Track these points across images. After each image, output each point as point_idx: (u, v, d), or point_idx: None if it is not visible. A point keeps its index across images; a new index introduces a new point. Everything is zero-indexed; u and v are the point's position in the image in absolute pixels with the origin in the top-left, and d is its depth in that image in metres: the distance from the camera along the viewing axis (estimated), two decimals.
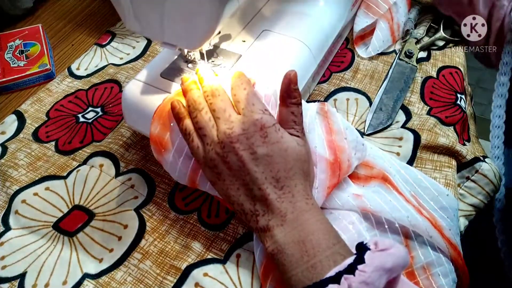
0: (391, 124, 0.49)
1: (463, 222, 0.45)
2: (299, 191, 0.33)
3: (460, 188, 0.46)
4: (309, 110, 0.40)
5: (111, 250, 0.40)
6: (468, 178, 0.46)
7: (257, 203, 0.33)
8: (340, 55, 0.58)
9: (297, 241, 0.31)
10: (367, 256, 0.27)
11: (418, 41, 0.58)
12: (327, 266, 0.29)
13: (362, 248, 0.29)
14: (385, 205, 0.37)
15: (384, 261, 0.27)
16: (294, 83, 0.35)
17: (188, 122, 0.36)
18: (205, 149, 0.35)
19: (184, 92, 0.38)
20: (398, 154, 0.46)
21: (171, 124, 0.38)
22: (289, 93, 0.35)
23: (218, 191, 0.36)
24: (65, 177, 0.46)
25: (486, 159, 0.47)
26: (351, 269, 0.27)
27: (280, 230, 0.32)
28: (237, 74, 0.37)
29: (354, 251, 0.30)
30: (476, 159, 0.46)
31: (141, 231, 0.41)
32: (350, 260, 0.28)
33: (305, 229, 0.31)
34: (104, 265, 0.39)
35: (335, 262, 0.29)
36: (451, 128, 0.48)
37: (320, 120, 0.40)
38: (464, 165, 0.46)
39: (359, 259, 0.27)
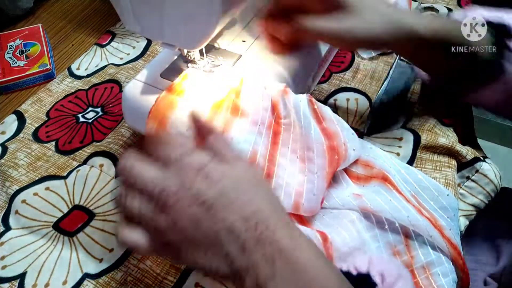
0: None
1: (463, 222, 0.45)
2: (276, 224, 0.27)
3: (460, 188, 0.46)
4: (302, 101, 0.40)
5: (111, 250, 0.40)
6: (468, 178, 0.46)
7: (234, 262, 0.26)
8: (340, 55, 0.58)
9: None
10: None
11: None
12: None
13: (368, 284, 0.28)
14: (386, 205, 0.37)
15: None
16: (199, 120, 0.33)
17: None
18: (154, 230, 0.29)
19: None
20: (398, 154, 0.46)
21: (169, 122, 0.38)
22: (205, 131, 0.32)
23: (186, 264, 0.31)
24: (65, 177, 0.46)
25: (486, 159, 0.47)
26: None
27: (274, 284, 0.25)
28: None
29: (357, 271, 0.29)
30: (476, 159, 0.46)
31: None
32: None
33: (302, 275, 0.26)
34: (104, 265, 0.39)
35: None
36: (451, 128, 0.48)
37: (310, 110, 0.40)
38: (464, 165, 0.46)
39: None
